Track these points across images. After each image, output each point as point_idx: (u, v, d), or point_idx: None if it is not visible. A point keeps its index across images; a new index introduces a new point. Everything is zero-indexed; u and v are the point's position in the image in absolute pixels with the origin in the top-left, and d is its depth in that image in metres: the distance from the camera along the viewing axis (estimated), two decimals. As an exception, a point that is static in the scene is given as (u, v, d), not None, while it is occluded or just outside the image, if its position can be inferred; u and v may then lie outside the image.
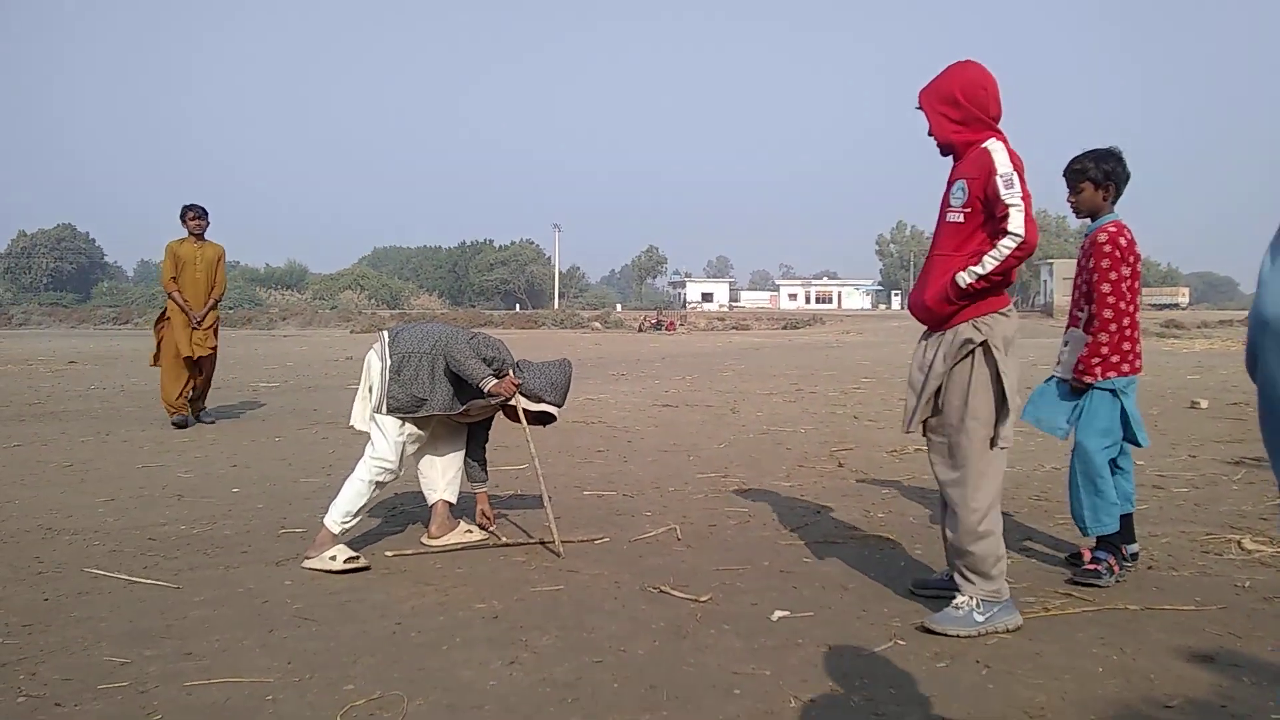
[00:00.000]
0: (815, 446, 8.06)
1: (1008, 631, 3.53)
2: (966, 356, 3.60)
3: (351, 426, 4.97)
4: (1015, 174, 3.49)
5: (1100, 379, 4.14)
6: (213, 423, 9.58)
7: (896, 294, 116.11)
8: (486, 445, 5.12)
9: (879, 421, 9.65)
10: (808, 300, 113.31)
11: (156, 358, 9.59)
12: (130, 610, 3.85)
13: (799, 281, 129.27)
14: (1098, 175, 4.23)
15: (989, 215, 3.54)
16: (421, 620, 3.73)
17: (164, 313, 9.66)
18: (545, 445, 7.96)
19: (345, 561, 4.37)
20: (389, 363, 4.64)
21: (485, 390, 4.58)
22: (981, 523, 3.56)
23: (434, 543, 4.84)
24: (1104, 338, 4.13)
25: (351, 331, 41.03)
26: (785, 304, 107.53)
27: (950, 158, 3.78)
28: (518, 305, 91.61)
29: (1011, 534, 5.03)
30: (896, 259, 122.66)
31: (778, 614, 3.76)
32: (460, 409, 4.68)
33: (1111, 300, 4.11)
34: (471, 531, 4.94)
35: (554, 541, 4.69)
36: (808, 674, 3.17)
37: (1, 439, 8.42)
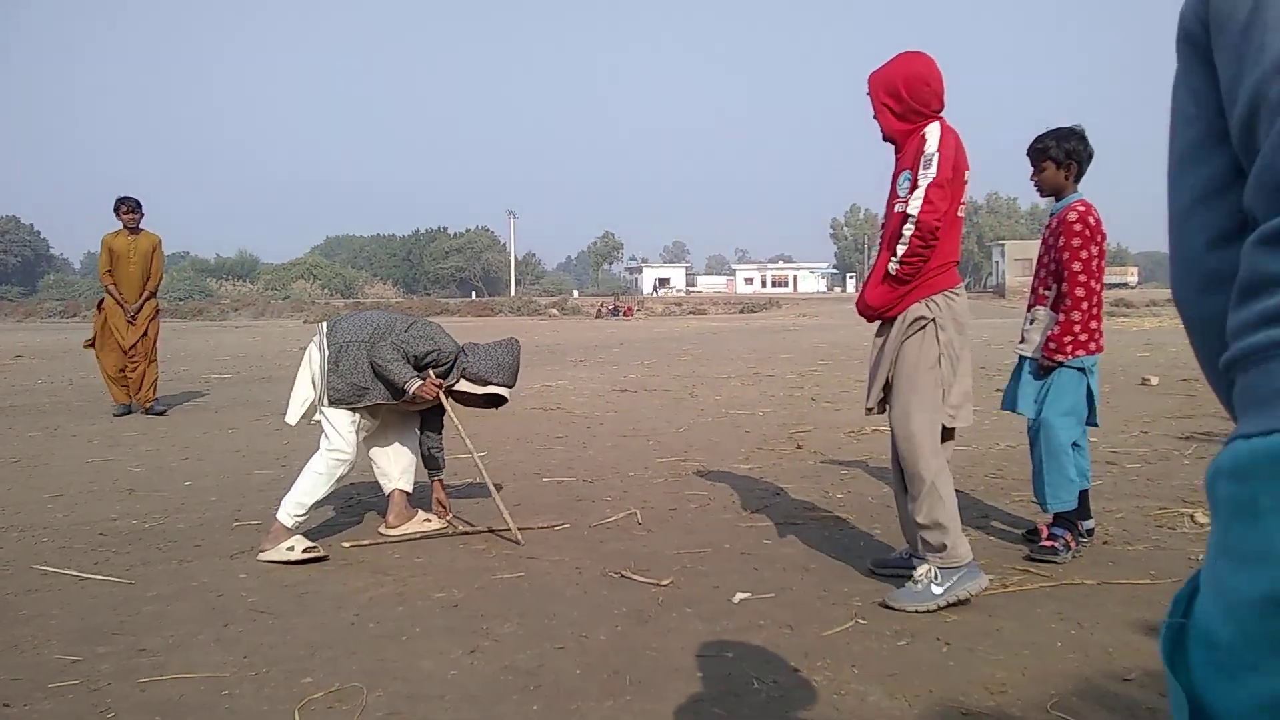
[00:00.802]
0: (774, 429, 8.08)
1: (969, 598, 3.55)
2: (916, 334, 3.62)
3: (287, 423, 4.87)
4: (936, 154, 3.52)
5: (1070, 357, 4.16)
6: (164, 413, 9.43)
7: (851, 277, 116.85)
8: (442, 432, 5.06)
9: (836, 403, 9.70)
10: (764, 284, 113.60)
11: (92, 342, 9.61)
12: (81, 607, 3.76)
13: (754, 266, 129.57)
14: (1059, 154, 4.25)
15: None
16: (380, 611, 3.68)
17: (101, 301, 9.66)
18: (504, 432, 7.93)
19: (304, 551, 4.31)
20: (327, 353, 4.57)
21: (409, 392, 4.53)
22: (931, 490, 3.57)
23: (391, 532, 4.78)
24: (1076, 316, 4.15)
25: (305, 321, 40.56)
26: (741, 288, 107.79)
27: (892, 146, 3.79)
28: (474, 293, 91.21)
29: (969, 511, 5.07)
30: (850, 242, 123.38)
31: (739, 596, 3.75)
32: (406, 396, 4.62)
33: (1083, 279, 4.14)
34: (430, 520, 4.88)
35: (509, 529, 4.65)
36: (770, 655, 3.16)
37: (-55, 435, 8.22)
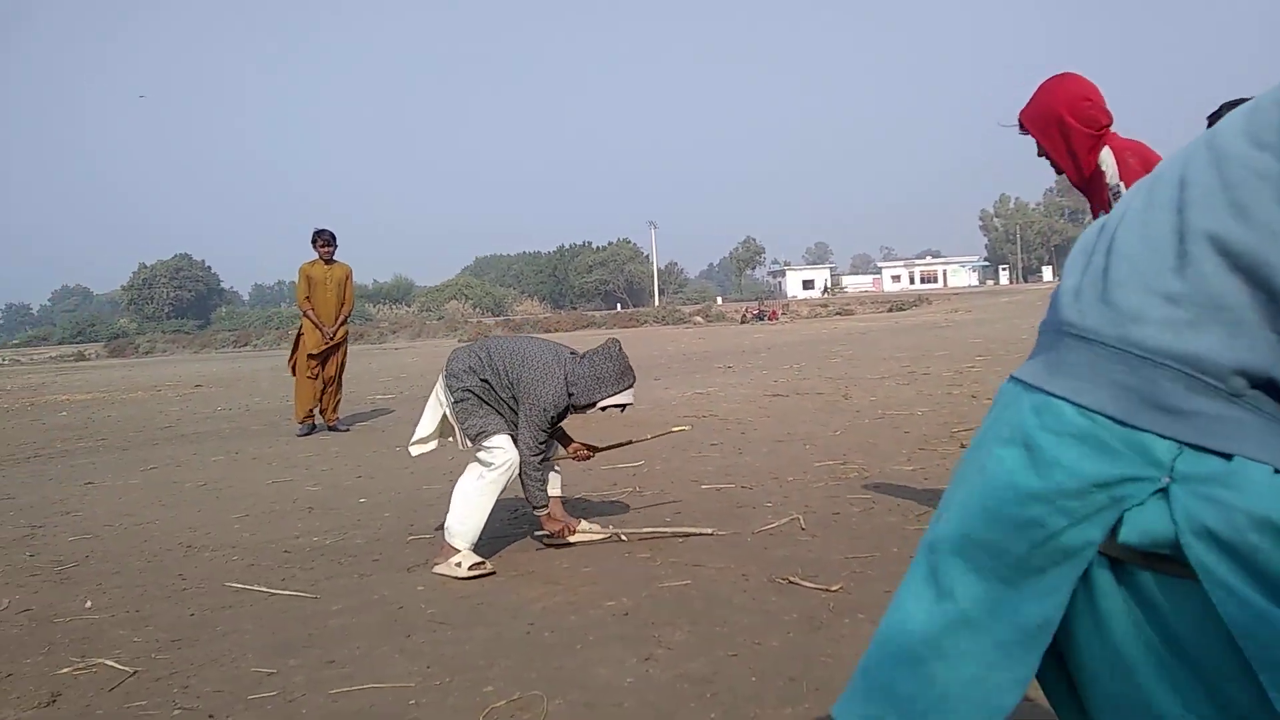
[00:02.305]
0: (934, 428, 7.88)
1: None
2: None
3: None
4: (1121, 184, 3.29)
5: None
6: (347, 430, 10.04)
7: (1004, 269, 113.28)
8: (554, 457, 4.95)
9: (998, 399, 9.38)
10: (911, 281, 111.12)
11: (294, 368, 10.38)
12: (272, 621, 3.95)
13: (901, 262, 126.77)
14: None
15: None
16: (553, 620, 3.74)
17: (300, 331, 10.39)
18: (659, 443, 7.95)
19: (471, 568, 4.42)
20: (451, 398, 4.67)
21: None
22: None
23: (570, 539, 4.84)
24: None
25: (459, 340, 41.77)
26: (888, 286, 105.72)
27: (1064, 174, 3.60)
28: (618, 305, 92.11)
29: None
30: (1002, 233, 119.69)
31: (913, 600, 3.66)
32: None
33: None
34: (590, 531, 4.93)
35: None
36: (950, 661, 3.07)
37: (138, 462, 8.77)
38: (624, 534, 4.91)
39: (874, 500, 5.42)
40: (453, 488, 4.65)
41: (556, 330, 49.92)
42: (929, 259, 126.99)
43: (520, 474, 4.57)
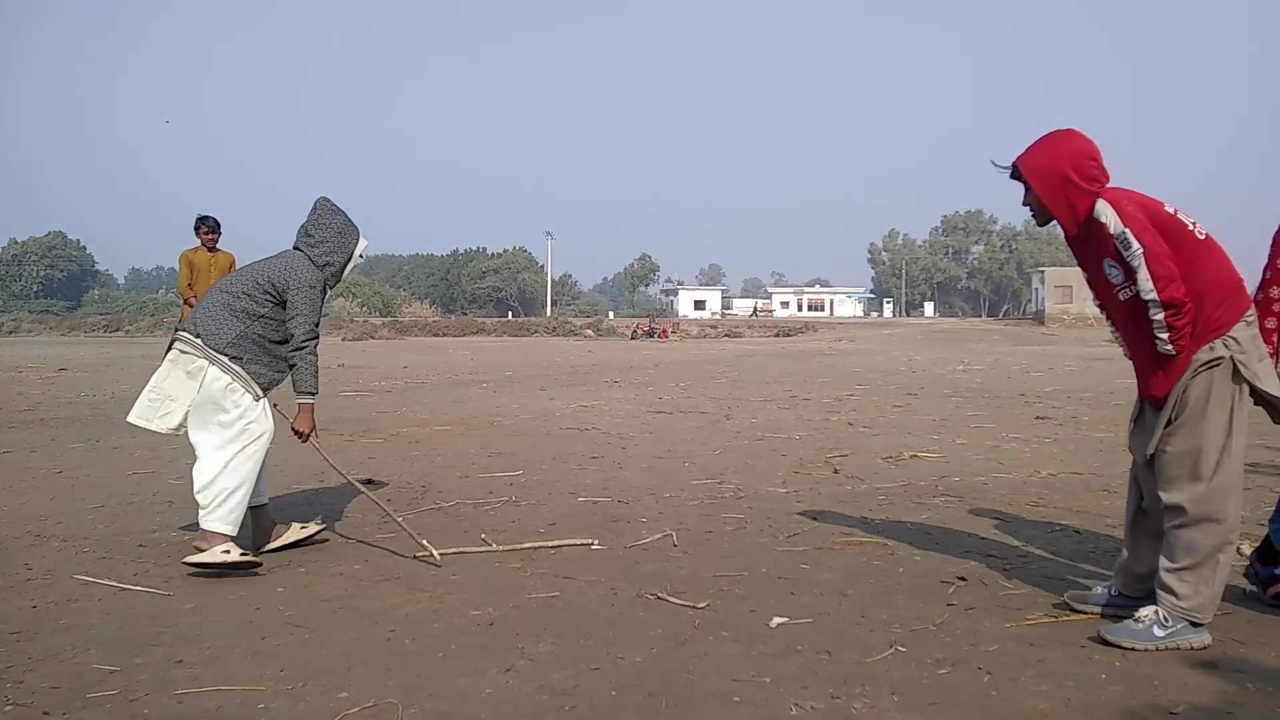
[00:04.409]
0: (810, 453, 8.03)
1: (1190, 648, 3.40)
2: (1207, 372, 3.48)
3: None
4: (1125, 230, 3.37)
5: None
6: None
7: (889, 302, 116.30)
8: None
9: (874, 428, 9.62)
10: (799, 308, 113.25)
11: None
12: (120, 617, 3.79)
13: (790, 289, 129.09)
14: None
15: None
16: (416, 627, 3.68)
17: (181, 315, 9.95)
18: (538, 452, 7.94)
19: (240, 554, 4.35)
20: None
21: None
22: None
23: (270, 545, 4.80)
24: None
25: (344, 339, 40.94)
26: (778, 312, 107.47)
27: (1043, 221, 3.70)
28: (510, 313, 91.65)
29: (1010, 539, 5.01)
30: (889, 267, 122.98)
31: (776, 620, 3.71)
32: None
33: None
34: (306, 527, 4.89)
35: (428, 552, 4.60)
36: (808, 681, 3.12)
37: (-10, 446, 8.34)
38: (496, 544, 4.87)
39: (747, 520, 5.48)
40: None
41: (445, 334, 49.35)
42: (817, 287, 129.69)
43: (302, 359, 4.59)
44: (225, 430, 4.49)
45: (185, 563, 4.34)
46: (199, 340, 4.49)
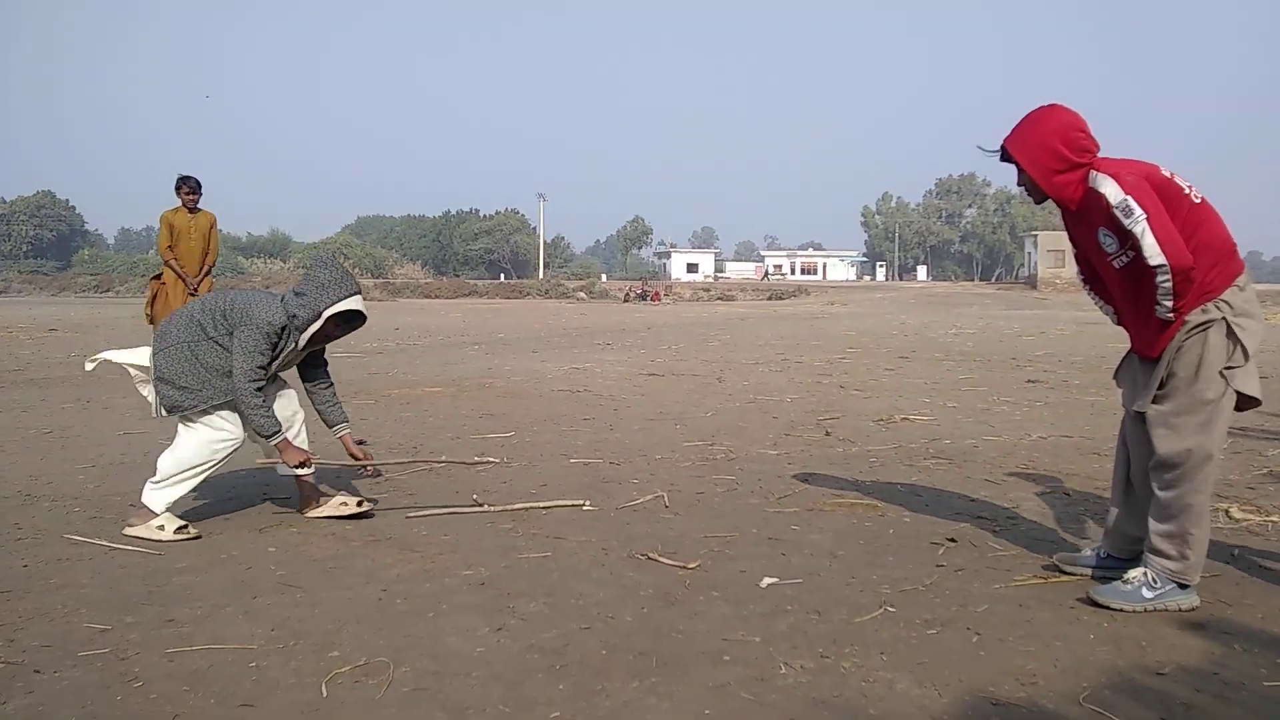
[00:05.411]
0: (802, 415, 8.04)
1: (1178, 610, 3.41)
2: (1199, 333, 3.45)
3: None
4: (1126, 197, 3.33)
5: None
6: None
7: (881, 265, 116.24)
8: (328, 376, 4.89)
9: (865, 391, 9.63)
10: (793, 271, 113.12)
11: (151, 319, 9.62)
12: (111, 576, 3.79)
13: (784, 252, 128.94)
14: None
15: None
16: (407, 587, 3.68)
17: (159, 275, 9.70)
18: (530, 414, 7.95)
19: (176, 531, 4.32)
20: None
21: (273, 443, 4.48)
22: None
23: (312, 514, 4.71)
24: None
25: (335, 300, 40.78)
26: (771, 274, 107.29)
27: (1040, 198, 3.65)
28: (502, 275, 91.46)
29: (999, 501, 5.03)
30: (881, 230, 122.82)
31: (766, 581, 3.73)
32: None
33: None
34: (346, 504, 4.71)
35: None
36: (797, 640, 3.14)
37: (-20, 405, 8.32)
38: (488, 505, 4.87)
39: (738, 481, 5.50)
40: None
41: (437, 296, 49.22)
42: (811, 251, 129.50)
43: (241, 402, 4.39)
44: (194, 431, 4.52)
45: (124, 534, 4.35)
46: (152, 364, 4.68)
